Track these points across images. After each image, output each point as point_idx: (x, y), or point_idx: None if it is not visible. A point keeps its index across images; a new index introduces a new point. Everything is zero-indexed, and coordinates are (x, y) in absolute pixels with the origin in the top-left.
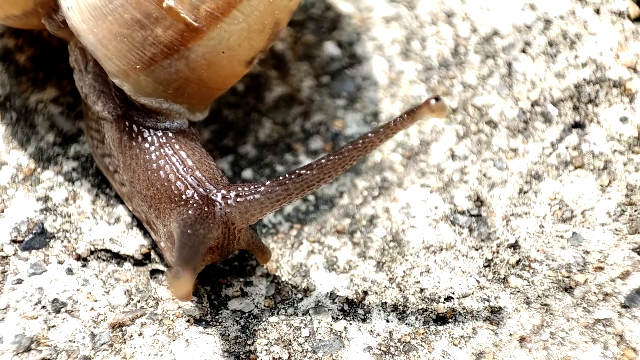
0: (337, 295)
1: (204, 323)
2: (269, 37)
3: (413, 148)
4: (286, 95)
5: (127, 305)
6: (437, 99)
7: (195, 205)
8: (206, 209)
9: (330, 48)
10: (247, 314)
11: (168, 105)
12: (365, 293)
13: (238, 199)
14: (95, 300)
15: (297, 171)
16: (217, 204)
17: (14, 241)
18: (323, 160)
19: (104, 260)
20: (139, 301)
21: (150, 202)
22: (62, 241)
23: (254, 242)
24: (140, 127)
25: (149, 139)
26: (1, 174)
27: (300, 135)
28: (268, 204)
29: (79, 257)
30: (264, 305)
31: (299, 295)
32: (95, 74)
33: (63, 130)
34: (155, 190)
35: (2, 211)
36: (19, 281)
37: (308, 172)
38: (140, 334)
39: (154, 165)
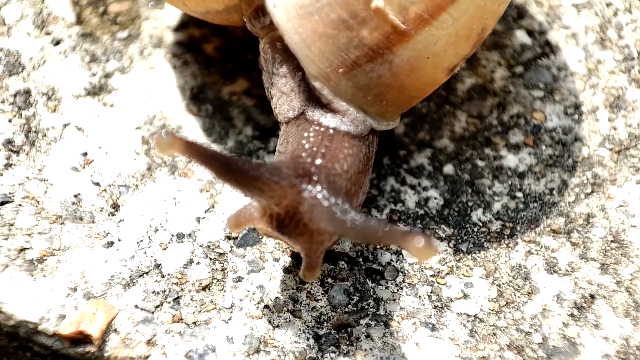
0: (564, 299)
1: (430, 326)
2: (474, 43)
3: (622, 142)
4: (478, 86)
5: (347, 305)
6: (425, 237)
7: (291, 175)
8: (290, 184)
9: (521, 37)
10: (473, 317)
11: (358, 112)
12: (593, 297)
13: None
14: (316, 300)
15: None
16: (305, 194)
17: (229, 237)
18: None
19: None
20: (359, 301)
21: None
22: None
23: (313, 251)
24: (314, 127)
25: (317, 134)
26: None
27: (498, 128)
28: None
29: (293, 254)
30: (489, 309)
31: (523, 299)
32: (280, 76)
33: (260, 124)
34: (290, 147)
35: (213, 207)
36: (239, 279)
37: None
38: (367, 336)
39: (305, 146)
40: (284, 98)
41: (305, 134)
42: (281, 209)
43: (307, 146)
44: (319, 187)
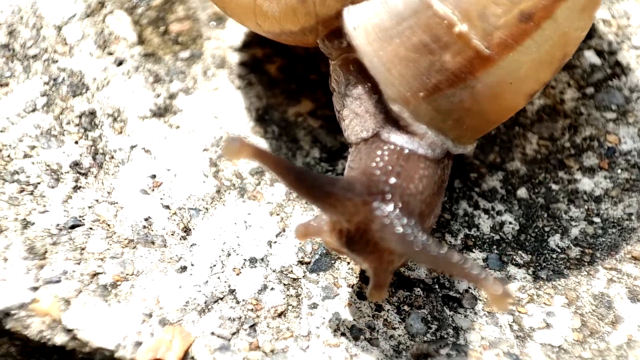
0: None
1: (514, 357)
2: (555, 69)
3: None
4: (548, 107)
5: (426, 333)
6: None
7: (365, 192)
8: (362, 201)
9: (590, 57)
10: (557, 348)
11: (436, 136)
12: None
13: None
14: (394, 328)
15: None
16: (376, 217)
17: (301, 262)
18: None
19: (391, 284)
20: (437, 330)
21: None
22: (348, 263)
23: (382, 270)
24: (389, 146)
25: (392, 154)
26: (276, 191)
27: (571, 150)
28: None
29: (363, 278)
30: (573, 339)
31: (608, 328)
32: (354, 98)
33: (327, 145)
34: (363, 164)
35: (284, 230)
36: (314, 305)
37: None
38: None
39: (379, 164)
40: (357, 119)
41: (379, 152)
42: (352, 225)
43: (381, 164)
44: (391, 207)
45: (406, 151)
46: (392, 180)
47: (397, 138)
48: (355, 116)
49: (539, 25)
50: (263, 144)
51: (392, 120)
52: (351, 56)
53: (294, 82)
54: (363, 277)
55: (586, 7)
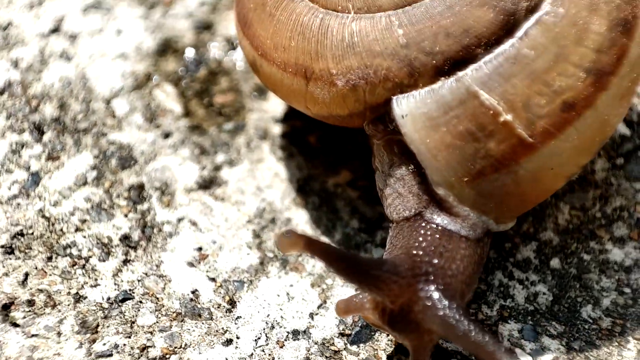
0: None
1: None
2: (594, 154)
3: None
4: (580, 177)
5: None
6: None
7: (409, 275)
8: (405, 287)
9: (620, 127)
10: None
11: (478, 217)
12: None
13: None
14: None
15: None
16: (419, 295)
17: (342, 334)
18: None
19: (432, 354)
20: None
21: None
22: (387, 335)
23: (422, 348)
24: (432, 226)
25: (435, 234)
26: (317, 263)
27: (602, 221)
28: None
29: (399, 345)
30: None
31: None
32: (397, 178)
33: (366, 216)
34: (407, 250)
35: (325, 302)
36: None
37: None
38: None
39: (422, 244)
40: (400, 199)
41: (422, 232)
42: (395, 306)
43: (424, 244)
44: (433, 288)
45: (449, 232)
46: (435, 261)
47: (440, 219)
48: (398, 195)
49: (580, 114)
50: (304, 215)
51: (435, 202)
52: (395, 138)
53: (332, 152)
54: (402, 348)
55: (625, 95)
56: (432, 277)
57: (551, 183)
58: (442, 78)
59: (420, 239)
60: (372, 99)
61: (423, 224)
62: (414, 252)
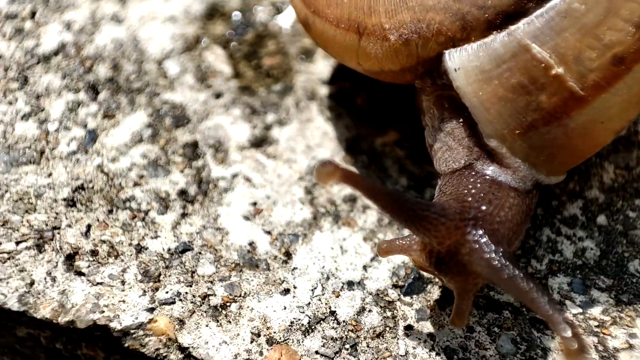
0: None
1: None
2: None
3: None
4: (623, 138)
5: (516, 354)
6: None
7: (458, 218)
8: (451, 226)
9: None
10: None
11: (529, 169)
12: None
13: (476, 252)
14: (485, 349)
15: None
16: (467, 239)
17: (395, 286)
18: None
19: (481, 306)
20: (526, 350)
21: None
22: (440, 287)
23: (465, 292)
24: (483, 176)
25: (484, 183)
26: (368, 218)
27: None
28: (485, 273)
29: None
30: None
31: None
32: (447, 132)
33: (414, 174)
34: (456, 190)
35: (377, 255)
36: (410, 327)
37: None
38: None
39: (472, 191)
40: (450, 152)
41: (472, 180)
42: (443, 247)
43: (473, 191)
44: (481, 232)
45: (498, 182)
46: (484, 207)
47: (491, 170)
48: (448, 148)
49: (630, 68)
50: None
51: (486, 154)
52: (445, 93)
53: (380, 113)
54: (453, 299)
55: None
56: (481, 222)
57: (601, 137)
58: (494, 32)
59: (470, 186)
60: (424, 53)
61: (473, 173)
62: (464, 198)
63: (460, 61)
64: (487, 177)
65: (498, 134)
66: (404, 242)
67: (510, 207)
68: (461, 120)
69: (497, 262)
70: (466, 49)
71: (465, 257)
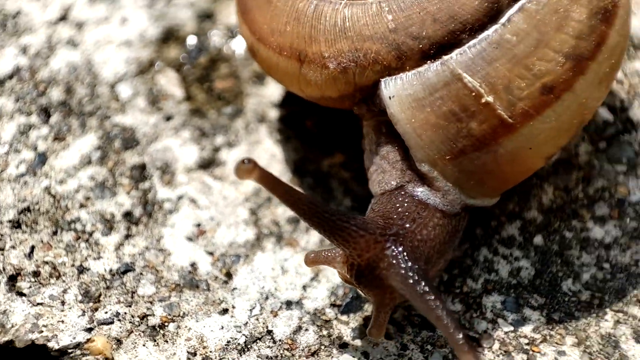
0: None
1: None
2: (573, 136)
3: None
4: (564, 160)
5: None
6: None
7: (378, 233)
8: (371, 237)
9: (604, 113)
10: None
11: (459, 193)
12: None
13: (393, 266)
14: None
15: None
16: (387, 246)
17: (333, 305)
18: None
19: (416, 325)
20: None
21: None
22: None
23: (383, 306)
24: (411, 197)
25: (412, 203)
26: (310, 238)
27: (584, 201)
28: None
29: (393, 321)
30: None
31: None
32: (382, 156)
33: (358, 195)
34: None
35: (317, 275)
36: (345, 345)
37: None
38: None
39: (398, 210)
40: (384, 174)
41: (401, 200)
42: (363, 260)
43: (400, 210)
44: (400, 248)
45: (426, 203)
46: (407, 225)
47: (420, 191)
48: (382, 171)
49: (559, 97)
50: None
51: (418, 177)
52: (382, 119)
53: (328, 136)
54: (390, 319)
55: (603, 80)
56: (401, 239)
57: (530, 163)
58: (428, 61)
59: (397, 205)
60: (361, 81)
61: (403, 194)
62: (389, 215)
63: (395, 89)
64: (416, 198)
65: (429, 159)
66: (329, 254)
67: (434, 226)
68: (396, 145)
69: (410, 278)
70: (401, 78)
71: (383, 272)
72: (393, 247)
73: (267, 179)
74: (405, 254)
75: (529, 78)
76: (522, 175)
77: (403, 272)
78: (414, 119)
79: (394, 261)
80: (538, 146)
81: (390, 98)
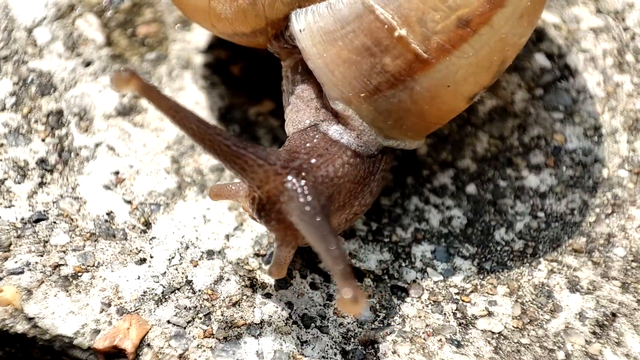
0: (586, 317)
1: (455, 342)
2: (495, 74)
3: None
4: (499, 108)
5: (374, 322)
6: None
7: (279, 165)
8: (267, 163)
9: (540, 59)
10: (497, 335)
11: (375, 134)
12: (614, 315)
13: (290, 194)
14: (343, 317)
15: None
16: (282, 173)
17: (257, 255)
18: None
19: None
20: (385, 318)
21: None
22: (303, 256)
23: (285, 243)
24: (323, 135)
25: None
26: (233, 187)
27: (519, 149)
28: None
29: (320, 272)
30: (513, 326)
31: (546, 316)
32: (297, 95)
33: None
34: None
35: (241, 224)
36: (268, 295)
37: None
38: (394, 352)
39: (306, 145)
40: (297, 113)
41: (311, 136)
42: (262, 193)
43: (308, 145)
44: (302, 182)
45: (337, 141)
46: (313, 160)
47: (333, 129)
48: (297, 110)
49: (476, 31)
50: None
51: (332, 116)
52: (298, 57)
53: (256, 83)
54: (316, 269)
55: (525, 14)
56: (304, 173)
57: (451, 102)
58: None
59: (306, 141)
60: (271, 13)
61: (315, 131)
62: (296, 149)
63: (305, 22)
64: (328, 136)
65: (343, 97)
66: (232, 187)
67: (343, 164)
68: (311, 83)
69: (307, 213)
70: (312, 10)
71: (283, 205)
72: (294, 181)
73: (149, 91)
74: (306, 188)
75: (443, 10)
76: (444, 116)
77: (301, 206)
78: (325, 54)
79: (293, 194)
80: (457, 84)
81: (300, 31)
